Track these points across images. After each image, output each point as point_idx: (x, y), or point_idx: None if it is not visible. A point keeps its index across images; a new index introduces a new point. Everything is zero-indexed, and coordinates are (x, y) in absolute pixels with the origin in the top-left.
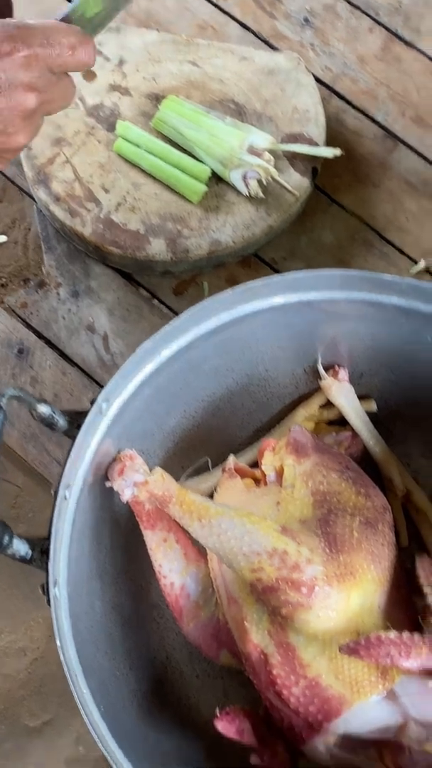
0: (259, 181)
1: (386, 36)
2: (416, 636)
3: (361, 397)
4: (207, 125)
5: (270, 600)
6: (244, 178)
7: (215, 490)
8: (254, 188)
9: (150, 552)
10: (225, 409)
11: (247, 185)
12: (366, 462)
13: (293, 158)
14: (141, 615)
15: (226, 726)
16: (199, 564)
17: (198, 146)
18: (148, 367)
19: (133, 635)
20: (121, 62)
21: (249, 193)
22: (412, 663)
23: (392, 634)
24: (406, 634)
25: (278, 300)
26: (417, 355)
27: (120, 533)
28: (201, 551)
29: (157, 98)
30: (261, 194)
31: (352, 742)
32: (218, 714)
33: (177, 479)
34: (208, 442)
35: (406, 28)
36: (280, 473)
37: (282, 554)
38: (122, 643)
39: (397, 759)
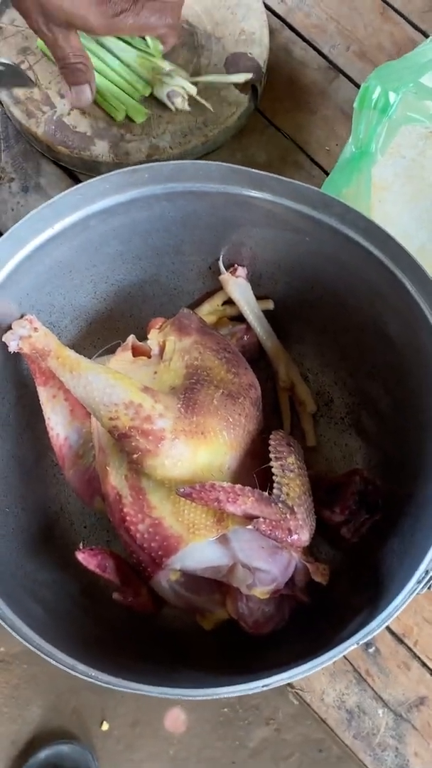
0: (191, 97)
1: None
2: (247, 488)
3: (263, 298)
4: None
5: (124, 446)
6: (168, 96)
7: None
8: (179, 104)
9: (42, 406)
10: (137, 297)
11: (172, 102)
12: (261, 356)
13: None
14: (42, 470)
15: (86, 558)
16: (84, 421)
17: (130, 67)
18: (41, 237)
19: (31, 484)
20: None
21: (175, 108)
22: (236, 508)
23: (225, 483)
24: (238, 486)
25: (163, 187)
26: (302, 258)
27: (27, 392)
28: (87, 411)
29: None
30: (187, 107)
31: (193, 584)
32: (80, 547)
33: (89, 357)
34: (122, 327)
35: None
36: (163, 348)
37: (137, 407)
38: (18, 488)
39: (236, 606)
